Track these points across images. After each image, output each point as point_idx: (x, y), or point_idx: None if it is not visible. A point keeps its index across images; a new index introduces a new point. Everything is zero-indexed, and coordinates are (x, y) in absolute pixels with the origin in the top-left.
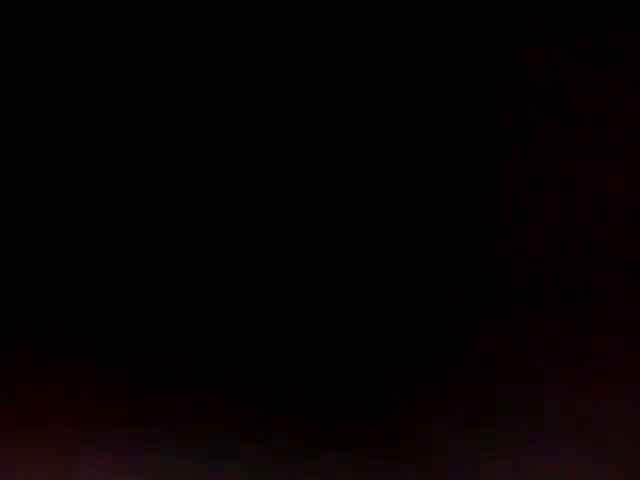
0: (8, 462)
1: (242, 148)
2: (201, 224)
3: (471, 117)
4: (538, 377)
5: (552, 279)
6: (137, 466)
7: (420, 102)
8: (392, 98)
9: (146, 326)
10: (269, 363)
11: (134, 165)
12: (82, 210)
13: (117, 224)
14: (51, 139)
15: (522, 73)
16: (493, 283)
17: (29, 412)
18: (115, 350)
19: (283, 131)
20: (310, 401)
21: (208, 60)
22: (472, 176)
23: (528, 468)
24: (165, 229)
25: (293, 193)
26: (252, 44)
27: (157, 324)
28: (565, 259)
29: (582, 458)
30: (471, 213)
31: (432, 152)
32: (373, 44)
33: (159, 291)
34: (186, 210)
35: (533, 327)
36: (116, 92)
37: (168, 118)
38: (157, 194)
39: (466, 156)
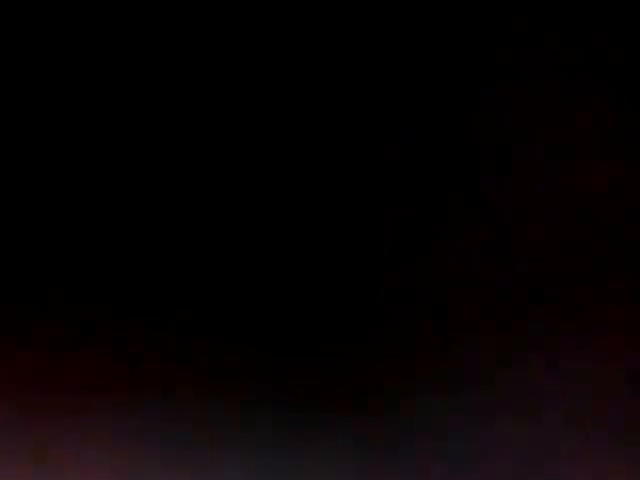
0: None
1: (238, 142)
2: (191, 211)
3: (465, 118)
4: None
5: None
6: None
7: (419, 102)
8: (390, 98)
9: (145, 316)
10: (259, 344)
11: (134, 164)
12: (82, 210)
13: (117, 222)
14: (51, 139)
15: (516, 75)
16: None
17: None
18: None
19: (282, 131)
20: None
21: (208, 60)
22: (467, 175)
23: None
24: (162, 219)
25: (289, 189)
26: (252, 44)
27: (154, 308)
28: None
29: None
30: (466, 211)
31: (431, 152)
32: (372, 45)
33: (158, 278)
34: (183, 203)
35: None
36: (116, 92)
37: (168, 118)
38: (157, 191)
39: (460, 156)
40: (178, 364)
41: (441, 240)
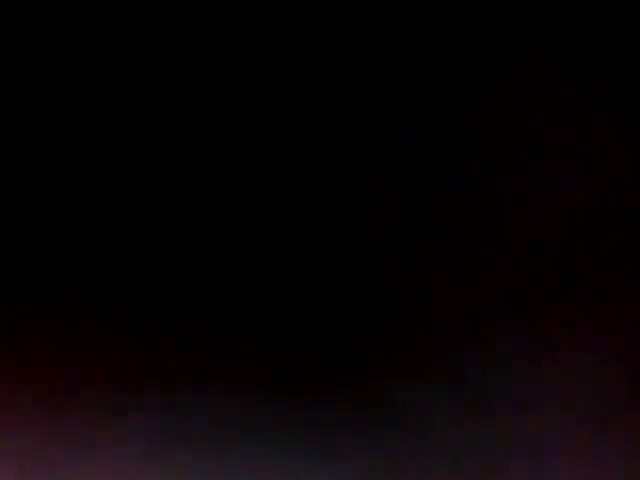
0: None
1: (237, 144)
2: (188, 208)
3: (465, 118)
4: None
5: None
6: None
7: (417, 103)
8: (388, 99)
9: (143, 310)
10: (261, 337)
11: (129, 163)
12: (83, 209)
13: (117, 221)
14: (44, 140)
15: (516, 79)
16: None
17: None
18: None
19: (282, 130)
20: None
21: (208, 60)
22: (467, 175)
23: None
24: (160, 217)
25: (290, 188)
26: (250, 44)
27: (155, 305)
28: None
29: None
30: (467, 212)
31: (429, 152)
32: (372, 45)
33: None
34: (181, 200)
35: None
36: (116, 92)
37: (168, 118)
38: (155, 186)
39: (460, 156)
40: (178, 363)
41: (442, 239)
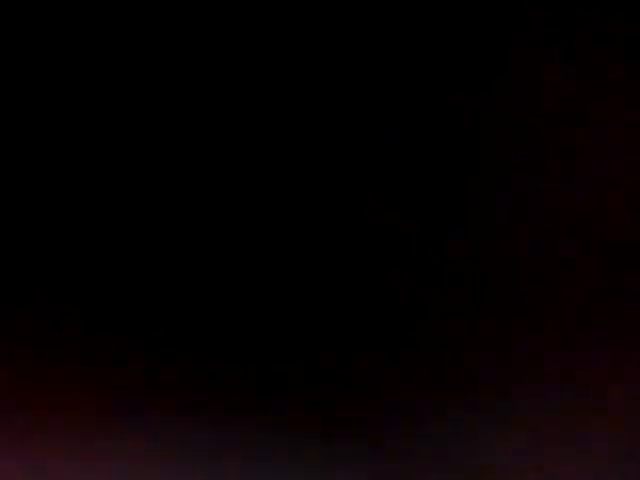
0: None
1: (236, 145)
2: (189, 212)
3: (464, 118)
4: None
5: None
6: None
7: (417, 103)
8: (386, 100)
9: (144, 319)
10: (264, 354)
11: (134, 164)
12: (83, 208)
13: (117, 222)
14: (53, 139)
15: (522, 73)
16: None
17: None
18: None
19: (281, 130)
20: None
21: (208, 60)
22: (470, 165)
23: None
24: (160, 220)
25: (290, 190)
26: (249, 44)
27: (153, 315)
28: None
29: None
30: (468, 206)
31: (429, 151)
32: (371, 45)
33: (155, 282)
34: (179, 203)
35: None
36: (116, 92)
37: (168, 118)
38: (153, 189)
39: (460, 156)
40: (177, 374)
41: (450, 243)
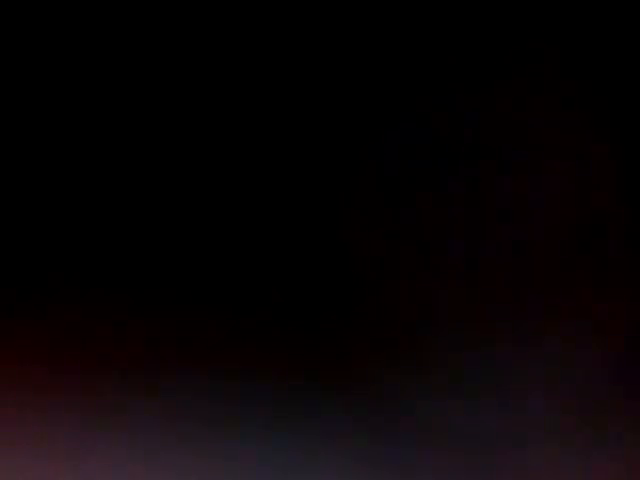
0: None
1: (235, 146)
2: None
3: (463, 119)
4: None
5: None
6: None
7: (416, 103)
8: (385, 101)
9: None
10: (256, 318)
11: (126, 163)
12: (83, 208)
13: (117, 220)
14: (46, 137)
15: (517, 80)
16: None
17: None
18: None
19: (281, 130)
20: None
21: (208, 60)
22: (466, 175)
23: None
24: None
25: (284, 187)
26: (248, 44)
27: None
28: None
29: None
30: (465, 211)
31: (428, 151)
32: (371, 45)
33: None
34: (178, 199)
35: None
36: (116, 92)
37: (168, 118)
38: (153, 185)
39: (459, 156)
40: (177, 359)
41: (439, 239)
